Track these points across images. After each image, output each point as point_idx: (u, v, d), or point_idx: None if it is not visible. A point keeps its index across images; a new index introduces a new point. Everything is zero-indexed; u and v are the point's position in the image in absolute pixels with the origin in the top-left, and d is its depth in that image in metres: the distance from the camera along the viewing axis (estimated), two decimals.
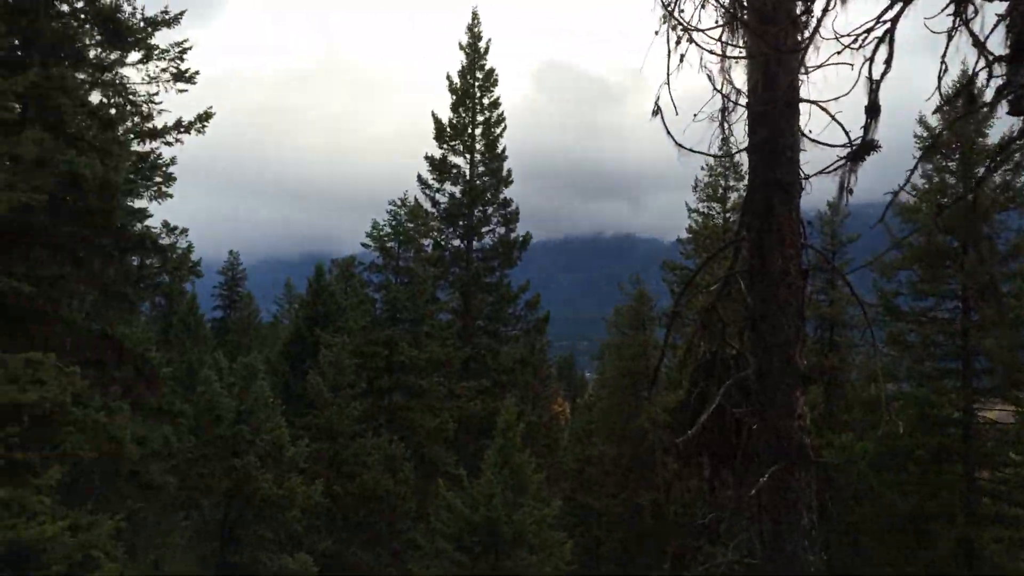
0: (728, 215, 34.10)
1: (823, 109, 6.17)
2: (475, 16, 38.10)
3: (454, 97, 37.88)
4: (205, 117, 21.54)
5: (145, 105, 21.16)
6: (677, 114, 6.81)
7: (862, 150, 5.72)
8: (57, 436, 15.04)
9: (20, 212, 15.62)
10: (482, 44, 37.98)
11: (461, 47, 37.99)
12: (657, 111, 6.76)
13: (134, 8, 20.23)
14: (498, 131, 38.12)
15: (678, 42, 6.59)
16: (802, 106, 6.37)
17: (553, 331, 41.93)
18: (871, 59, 5.50)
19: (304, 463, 24.20)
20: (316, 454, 26.01)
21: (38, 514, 11.86)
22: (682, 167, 7.08)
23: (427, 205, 37.39)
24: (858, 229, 33.60)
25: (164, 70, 21.00)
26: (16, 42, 17.44)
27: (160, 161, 22.83)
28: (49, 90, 16.62)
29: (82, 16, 20.10)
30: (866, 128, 5.68)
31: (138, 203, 22.36)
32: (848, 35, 5.53)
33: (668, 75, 6.67)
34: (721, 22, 6.31)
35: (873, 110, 5.53)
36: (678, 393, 26.14)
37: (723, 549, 7.34)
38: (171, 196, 21.45)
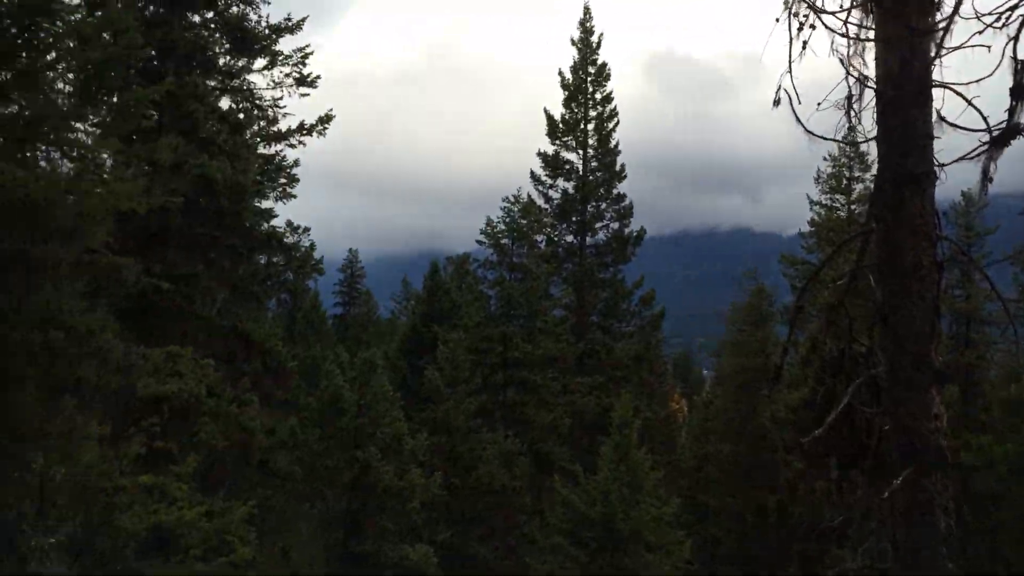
0: (853, 207, 32.77)
1: (958, 94, 5.83)
2: (587, 11, 37.96)
3: (566, 93, 37.82)
4: (326, 120, 22.26)
5: (270, 109, 22.11)
6: (800, 103, 6.57)
7: (1007, 135, 5.36)
8: (193, 426, 15.87)
9: (158, 214, 16.52)
10: (594, 39, 37.76)
11: (573, 42, 37.88)
12: (779, 100, 6.56)
13: (259, 16, 21.08)
14: (611, 126, 37.86)
15: (800, 28, 6.39)
16: (934, 90, 6.05)
17: (668, 327, 41.33)
18: (1015, 38, 5.16)
19: (423, 456, 24.71)
20: (434, 447, 26.49)
21: (177, 500, 12.56)
22: (803, 158, 6.86)
23: (540, 201, 37.50)
24: (995, 220, 31.78)
25: (287, 75, 21.84)
26: (153, 53, 18.41)
27: (284, 163, 23.64)
28: (183, 97, 17.53)
29: (212, 26, 21.09)
30: (1011, 111, 5.33)
31: (264, 204, 23.19)
32: (990, 14, 5.21)
33: (790, 62, 6.46)
34: (849, 4, 6.05)
35: (1019, 92, 5.18)
36: (801, 391, 25.37)
37: (852, 553, 7.06)
38: (295, 197, 22.19)
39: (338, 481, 23.38)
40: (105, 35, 12.55)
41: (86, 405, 12.88)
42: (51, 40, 11.49)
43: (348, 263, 54.28)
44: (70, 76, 12.80)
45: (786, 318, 29.98)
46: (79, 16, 12.21)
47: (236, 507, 15.73)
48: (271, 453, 22.77)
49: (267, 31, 21.35)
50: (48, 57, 12.29)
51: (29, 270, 11.74)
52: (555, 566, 22.24)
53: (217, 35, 21.13)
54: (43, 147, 13.24)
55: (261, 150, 22.40)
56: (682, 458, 34.67)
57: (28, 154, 13.08)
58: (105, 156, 12.87)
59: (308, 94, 22.17)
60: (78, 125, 13.11)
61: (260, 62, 21.58)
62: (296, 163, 23.19)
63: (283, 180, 23.92)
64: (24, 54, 11.63)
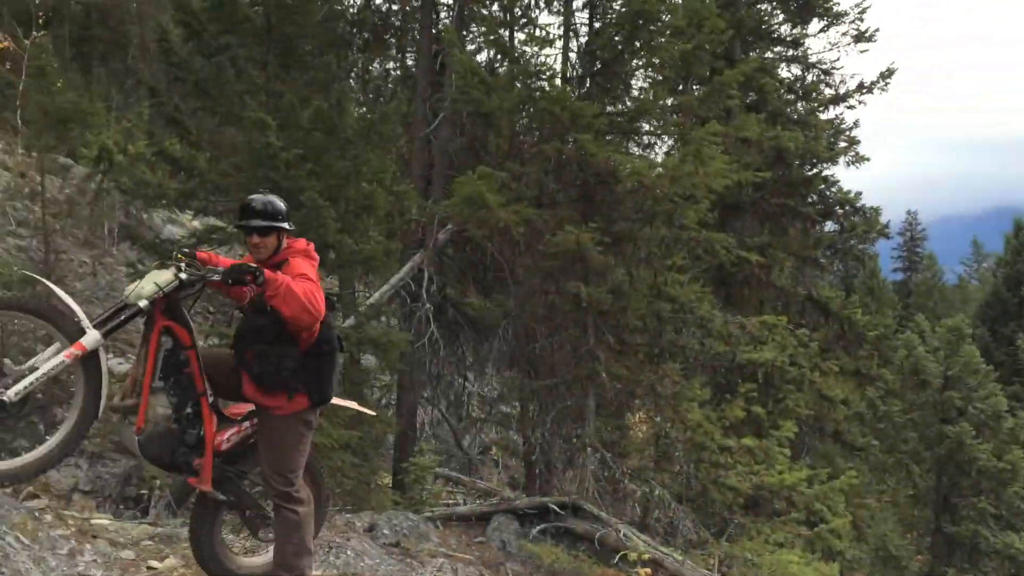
0: None
1: None
2: None
3: None
4: (887, 75, 21.04)
5: (833, 72, 21.57)
6: None
7: None
8: (778, 394, 16.25)
9: (733, 189, 17.22)
10: None
11: None
12: None
13: None
14: None
15: None
16: None
17: None
18: None
19: None
20: None
21: (776, 463, 13.00)
22: None
23: None
24: None
25: (844, 34, 21.10)
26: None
27: (843, 125, 22.83)
28: (753, 72, 17.97)
29: None
30: None
31: (830, 169, 22.64)
32: None
33: None
34: None
35: None
36: None
37: None
38: (867, 159, 21.25)
39: (922, 457, 21.97)
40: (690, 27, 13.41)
41: (689, 370, 14.05)
42: (650, 41, 12.65)
43: (907, 226, 50.87)
44: (662, 68, 14.01)
45: None
46: (670, 15, 13.16)
47: (821, 475, 15.70)
48: (845, 424, 22.29)
49: None
50: (643, 56, 13.59)
51: (638, 247, 13.17)
52: None
53: (775, 6, 21.26)
54: (642, 136, 14.78)
55: (821, 115, 21.97)
56: None
57: (631, 145, 14.71)
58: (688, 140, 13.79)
59: (867, 50, 21.18)
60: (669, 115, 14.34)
61: (816, 25, 21.23)
62: (856, 124, 22.22)
63: (843, 143, 23.14)
64: (628, 58, 13.04)
